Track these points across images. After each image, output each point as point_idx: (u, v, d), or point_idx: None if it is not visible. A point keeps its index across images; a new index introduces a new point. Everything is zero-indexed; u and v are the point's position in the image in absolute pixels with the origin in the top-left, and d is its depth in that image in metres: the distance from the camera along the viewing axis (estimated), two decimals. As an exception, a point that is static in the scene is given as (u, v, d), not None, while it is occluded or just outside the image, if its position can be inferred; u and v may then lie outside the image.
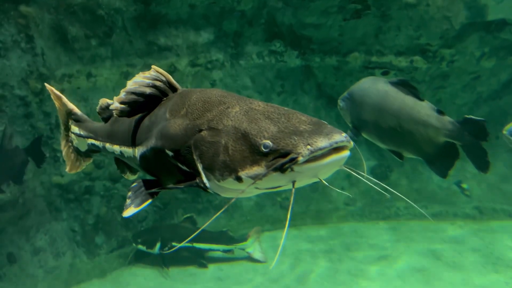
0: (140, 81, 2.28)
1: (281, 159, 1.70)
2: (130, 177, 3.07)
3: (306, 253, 7.50)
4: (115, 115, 2.34)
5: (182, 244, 6.94)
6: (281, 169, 1.70)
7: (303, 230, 8.10)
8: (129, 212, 2.14)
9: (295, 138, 1.71)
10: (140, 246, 7.30)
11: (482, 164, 4.23)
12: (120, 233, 7.54)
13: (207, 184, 1.95)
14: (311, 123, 1.78)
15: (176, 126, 2.08)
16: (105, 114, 2.96)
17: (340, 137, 1.69)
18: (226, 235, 7.42)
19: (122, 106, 2.31)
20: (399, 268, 6.84)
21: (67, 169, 3.35)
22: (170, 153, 2.10)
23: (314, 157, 1.67)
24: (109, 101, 2.91)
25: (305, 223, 8.22)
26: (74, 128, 3.20)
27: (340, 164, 1.73)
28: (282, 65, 7.96)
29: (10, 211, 6.61)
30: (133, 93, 2.28)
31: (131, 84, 2.29)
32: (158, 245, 7.38)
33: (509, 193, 8.23)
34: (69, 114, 3.24)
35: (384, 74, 7.69)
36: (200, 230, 2.45)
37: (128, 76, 7.17)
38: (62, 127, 3.35)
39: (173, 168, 2.15)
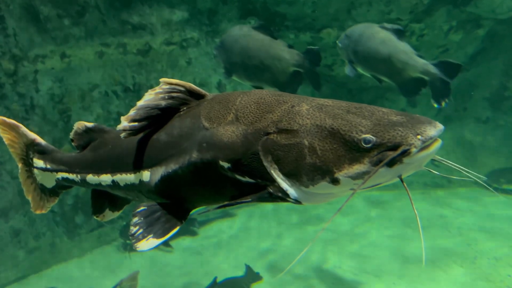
0: (152, 98, 2.01)
1: (389, 153, 1.57)
2: (108, 216, 2.61)
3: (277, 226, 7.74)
4: (123, 137, 2.03)
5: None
6: (390, 163, 1.57)
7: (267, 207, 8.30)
8: (148, 244, 1.88)
9: (400, 129, 1.58)
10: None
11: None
12: (100, 212, 7.58)
13: (290, 192, 1.73)
14: (398, 114, 1.67)
15: (230, 133, 1.84)
16: (82, 140, 2.57)
17: (441, 124, 1.63)
18: None
19: (132, 124, 2.01)
20: (371, 236, 7.14)
21: (32, 209, 2.84)
22: (227, 165, 1.84)
23: (423, 147, 1.58)
24: (88, 124, 2.57)
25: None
26: (38, 162, 2.75)
27: (436, 151, 1.63)
28: (257, 42, 7.99)
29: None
30: (145, 108, 2.00)
31: (140, 103, 2.02)
32: None
33: (474, 162, 8.62)
34: (30, 145, 2.77)
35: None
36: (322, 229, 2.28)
37: (102, 55, 7.12)
38: (19, 164, 2.83)
39: (223, 182, 1.89)
